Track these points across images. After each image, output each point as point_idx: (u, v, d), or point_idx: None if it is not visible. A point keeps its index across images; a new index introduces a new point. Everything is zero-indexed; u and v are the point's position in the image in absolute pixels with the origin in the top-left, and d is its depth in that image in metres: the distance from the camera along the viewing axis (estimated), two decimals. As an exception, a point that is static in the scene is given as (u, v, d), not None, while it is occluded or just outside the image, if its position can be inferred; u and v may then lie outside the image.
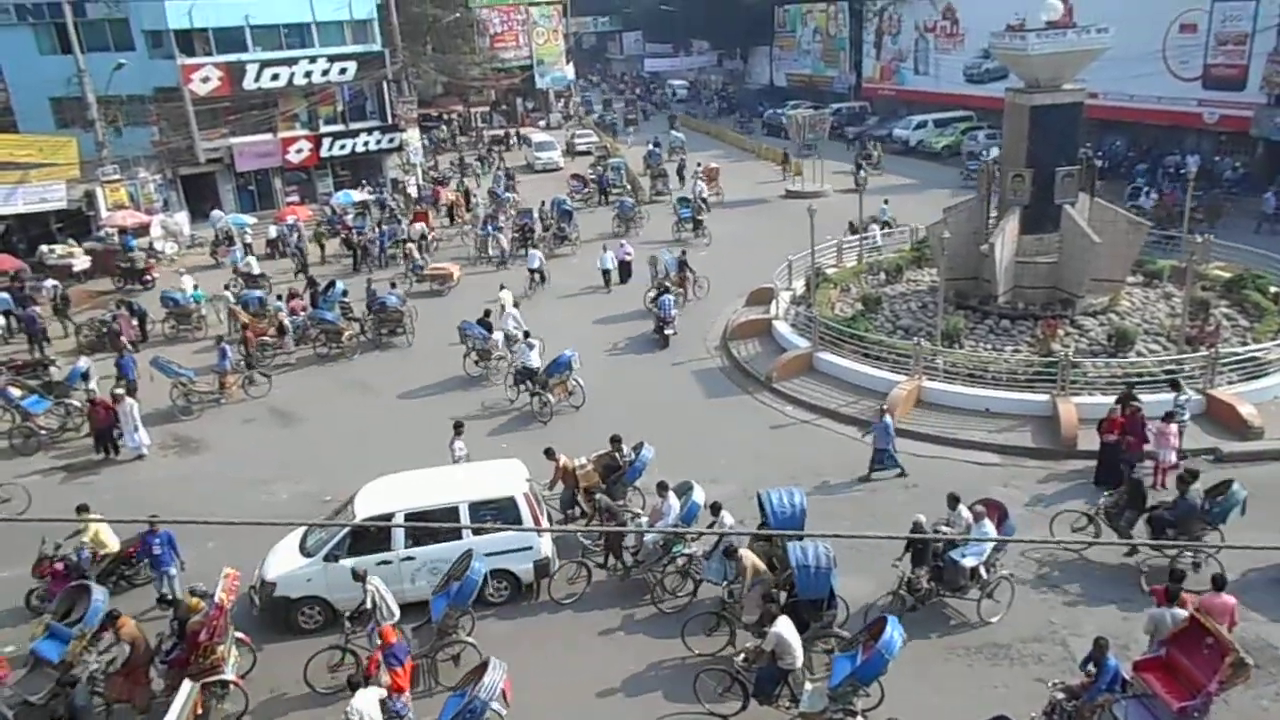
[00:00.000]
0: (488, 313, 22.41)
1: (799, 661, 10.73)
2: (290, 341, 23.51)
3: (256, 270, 29.52)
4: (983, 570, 12.19)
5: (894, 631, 10.47)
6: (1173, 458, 14.92)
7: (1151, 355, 18.77)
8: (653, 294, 24.36)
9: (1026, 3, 25.59)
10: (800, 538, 12.11)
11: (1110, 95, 36.39)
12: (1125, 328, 19.38)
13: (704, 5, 72.44)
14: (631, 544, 13.45)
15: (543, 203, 34.86)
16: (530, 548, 13.39)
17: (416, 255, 29.60)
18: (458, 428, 16.26)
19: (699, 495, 13.70)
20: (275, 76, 38.56)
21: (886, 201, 31.13)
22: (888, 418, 16.13)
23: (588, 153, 50.09)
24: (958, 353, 19.19)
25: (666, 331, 22.80)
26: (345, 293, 25.78)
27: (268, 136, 39.31)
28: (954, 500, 12.80)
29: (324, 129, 40.91)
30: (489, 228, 32.29)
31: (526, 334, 20.95)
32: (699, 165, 40.43)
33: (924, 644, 11.90)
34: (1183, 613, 10.38)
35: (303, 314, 24.35)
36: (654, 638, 12.51)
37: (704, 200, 34.34)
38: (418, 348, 23.96)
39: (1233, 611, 10.70)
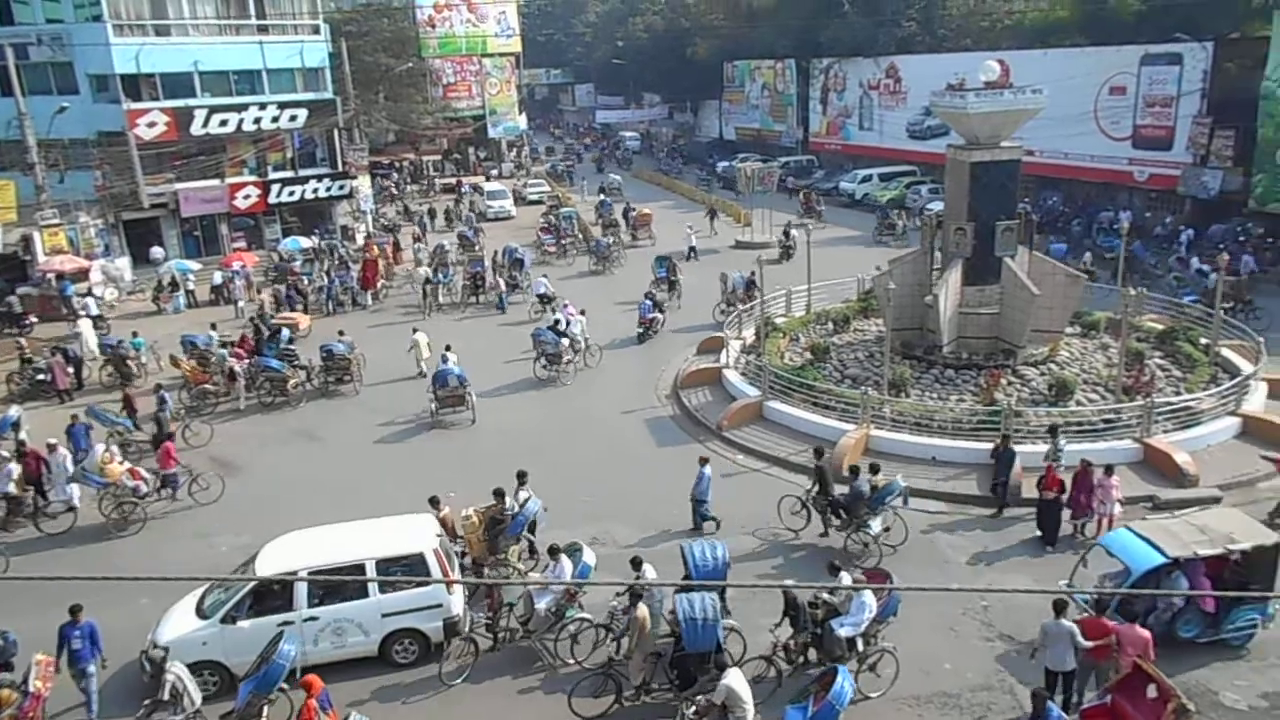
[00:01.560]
0: (558, 320, 25.45)
1: (750, 714, 10.61)
2: (241, 388, 23.03)
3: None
4: (860, 642, 11.95)
5: (844, 682, 10.45)
6: (1116, 509, 15.12)
7: (1090, 404, 19.23)
8: (722, 307, 28.16)
9: (966, 63, 26.60)
10: (719, 589, 12.33)
11: (1046, 153, 37.78)
12: (1065, 377, 19.87)
13: (655, 60, 73.90)
14: (520, 612, 12.95)
15: (495, 252, 34.98)
16: (440, 605, 12.93)
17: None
18: (521, 477, 15.54)
19: (589, 557, 13.38)
20: (224, 122, 38.26)
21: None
22: (706, 468, 16.03)
23: (539, 201, 50.36)
24: (904, 402, 19.47)
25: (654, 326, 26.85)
26: (291, 340, 25.39)
27: (215, 182, 38.87)
28: (834, 569, 12.53)
29: (273, 175, 40.58)
30: (439, 276, 32.17)
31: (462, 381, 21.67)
32: (634, 211, 41.86)
33: (876, 694, 11.87)
34: (1069, 624, 11.01)
35: (246, 361, 23.89)
36: (548, 709, 12.02)
37: (693, 249, 36.26)
38: (365, 395, 23.63)
39: (1147, 645, 11.05)
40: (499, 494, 15.09)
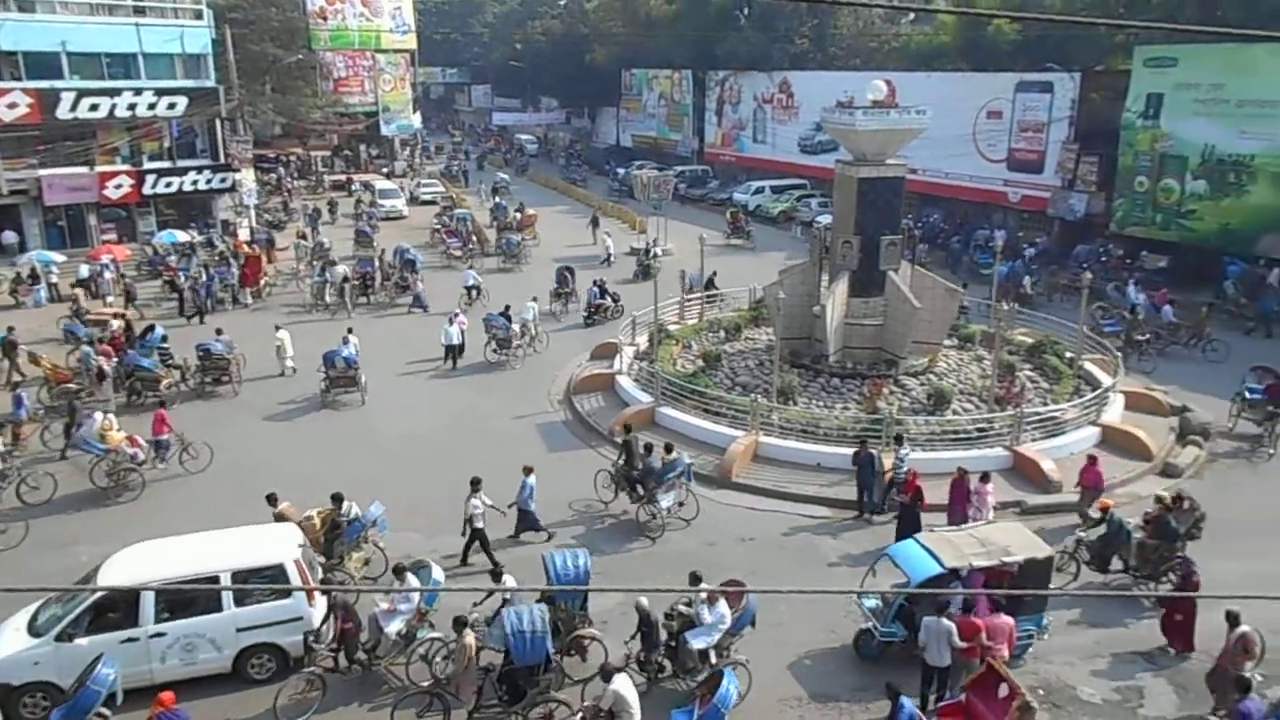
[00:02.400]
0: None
1: (637, 718, 10.65)
2: (109, 388, 21.75)
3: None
4: (712, 654, 11.99)
5: (730, 685, 10.60)
6: (990, 516, 15.54)
7: (966, 414, 20.10)
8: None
9: (855, 82, 27.45)
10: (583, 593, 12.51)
11: (928, 172, 39.37)
12: (943, 388, 20.71)
13: (553, 63, 73.72)
14: (367, 639, 12.39)
15: (381, 250, 34.27)
16: (300, 619, 12.43)
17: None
18: (475, 484, 15.28)
19: (438, 574, 13.13)
20: (94, 107, 36.17)
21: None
22: (530, 478, 15.84)
23: (433, 202, 49.52)
24: (792, 409, 19.93)
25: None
26: (165, 338, 24.19)
27: (83, 170, 36.73)
28: (695, 578, 12.43)
29: (148, 165, 38.61)
30: (325, 274, 31.23)
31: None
32: (520, 211, 41.91)
33: (756, 696, 12.07)
34: (949, 623, 11.55)
35: (115, 359, 22.65)
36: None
37: (610, 256, 36.18)
38: (246, 395, 22.70)
39: (1011, 631, 11.87)
40: (337, 498, 14.75)
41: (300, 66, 56.28)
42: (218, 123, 40.17)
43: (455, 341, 24.75)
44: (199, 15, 40.29)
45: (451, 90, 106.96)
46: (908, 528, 15.31)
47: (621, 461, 17.19)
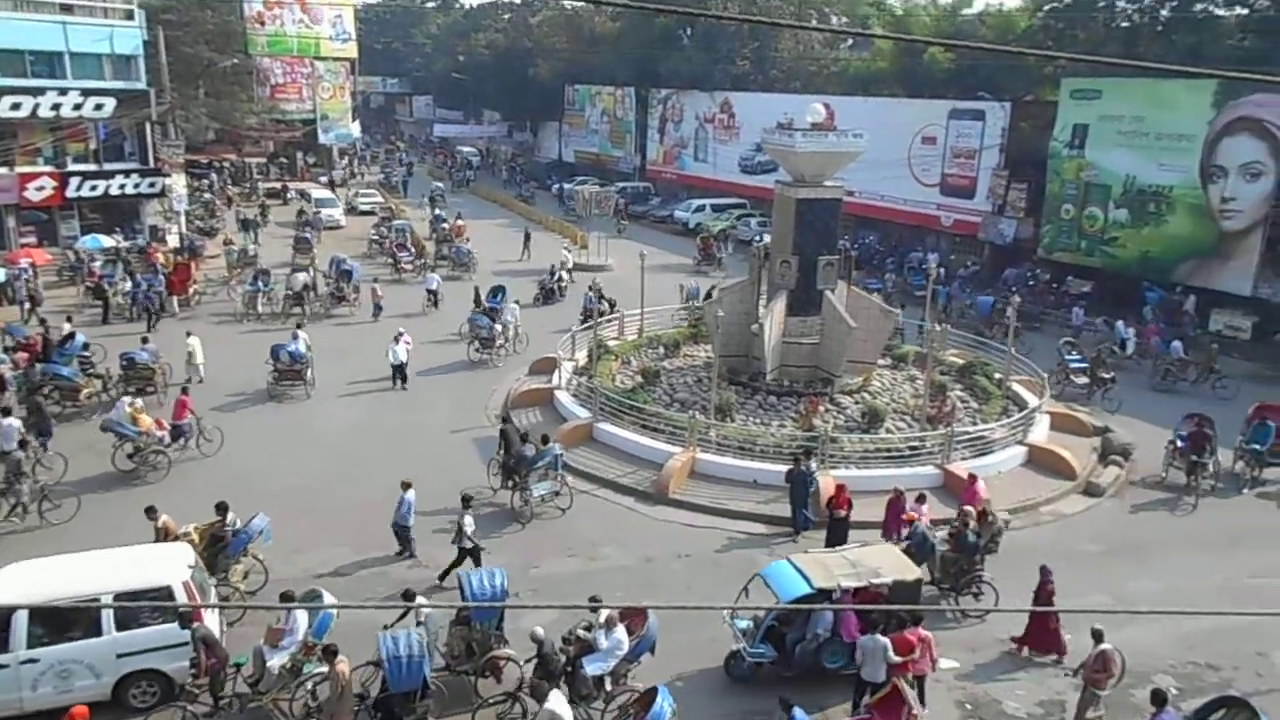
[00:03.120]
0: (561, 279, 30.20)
1: (572, 738, 10.55)
2: (10, 397, 20.82)
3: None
4: (608, 681, 11.86)
5: (664, 702, 10.56)
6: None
7: (899, 432, 20.45)
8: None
9: (794, 104, 27.88)
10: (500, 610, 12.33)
11: (865, 194, 40.15)
12: (877, 406, 21.05)
13: (496, 77, 73.46)
14: (250, 672, 11.74)
15: (313, 259, 33.80)
16: (186, 643, 11.69)
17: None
18: (466, 501, 15.20)
19: (330, 600, 12.65)
20: (15, 106, 34.81)
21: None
22: (409, 493, 15.56)
23: (371, 212, 48.83)
24: (729, 426, 20.05)
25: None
26: (86, 345, 23.37)
27: (2, 170, 35.33)
28: (595, 600, 12.19)
29: (72, 167, 37.30)
30: (259, 284, 30.54)
31: None
32: (459, 223, 41.42)
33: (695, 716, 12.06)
34: (884, 640, 11.73)
35: (30, 366, 21.76)
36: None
37: (567, 272, 34.89)
38: (171, 406, 21.96)
39: (930, 645, 12.14)
40: (221, 508, 14.39)
41: (236, 71, 55.13)
42: (148, 126, 39.02)
43: (402, 360, 23.88)
44: (130, 15, 39.16)
45: (392, 100, 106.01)
46: (837, 543, 15.46)
47: (501, 451, 18.09)
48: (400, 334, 24.59)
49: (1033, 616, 13.68)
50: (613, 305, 29.03)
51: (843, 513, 16.11)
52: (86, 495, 17.22)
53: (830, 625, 12.44)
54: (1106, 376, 24.29)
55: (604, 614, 12.03)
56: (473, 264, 37.12)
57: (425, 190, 54.21)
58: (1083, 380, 24.57)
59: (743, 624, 12.94)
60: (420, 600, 12.58)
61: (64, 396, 21.32)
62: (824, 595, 12.42)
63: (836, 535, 15.90)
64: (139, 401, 19.51)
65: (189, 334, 24.34)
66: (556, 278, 33.31)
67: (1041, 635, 13.68)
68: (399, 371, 23.93)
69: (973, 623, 14.49)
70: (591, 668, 11.74)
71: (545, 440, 17.98)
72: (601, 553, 16.22)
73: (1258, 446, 19.78)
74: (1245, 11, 36.06)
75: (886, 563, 13.09)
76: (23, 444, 17.11)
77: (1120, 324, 28.17)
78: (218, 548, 14.07)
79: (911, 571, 12.99)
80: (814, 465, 17.31)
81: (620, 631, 11.95)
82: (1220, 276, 30.21)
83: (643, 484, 18.52)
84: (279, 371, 23.11)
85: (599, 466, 19.41)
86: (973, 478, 17.16)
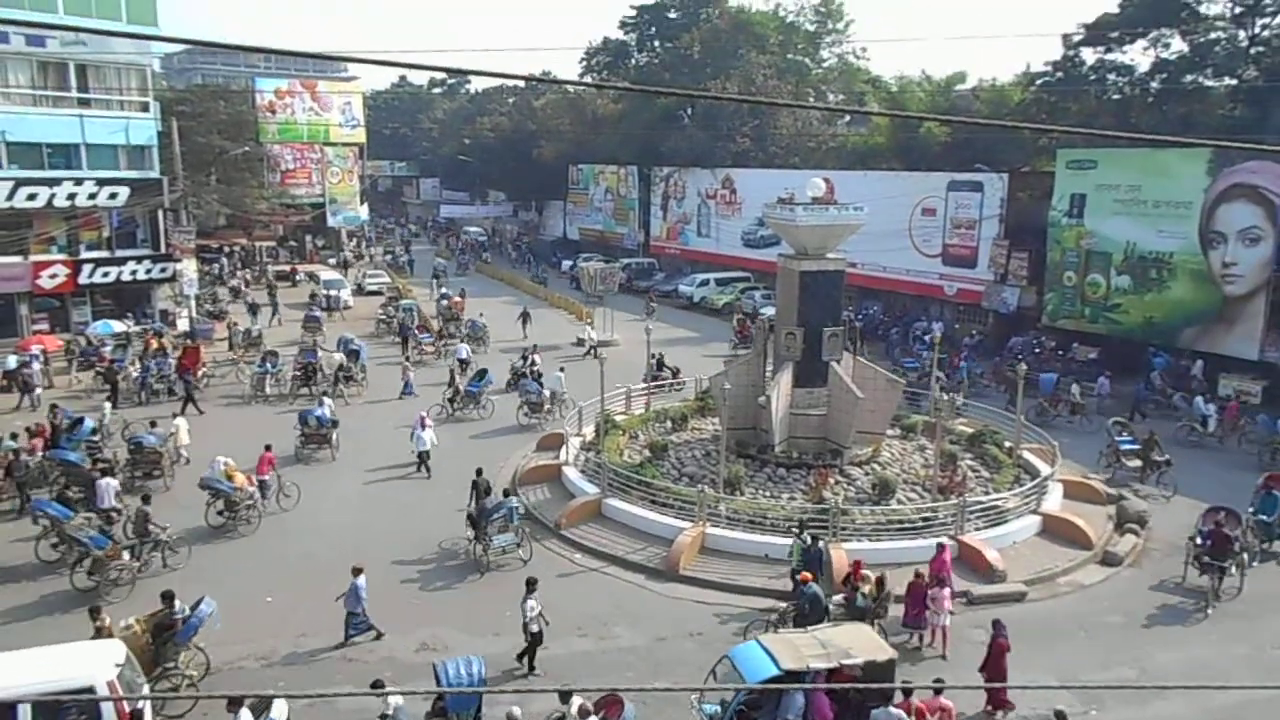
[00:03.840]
0: (533, 362, 30.18)
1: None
2: (13, 486, 20.83)
3: None
4: None
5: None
6: (947, 621, 15.30)
7: (910, 503, 20.23)
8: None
9: (795, 179, 28.34)
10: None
11: (867, 265, 40.48)
12: (887, 477, 20.87)
13: (501, 158, 75.03)
14: None
15: (315, 341, 34.07)
16: None
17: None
18: (530, 585, 14.85)
19: (280, 711, 11.98)
20: (31, 196, 35.65)
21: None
22: (360, 579, 15.28)
23: (378, 292, 49.36)
24: (739, 500, 19.86)
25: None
26: (94, 430, 23.41)
27: (16, 259, 35.96)
28: (565, 696, 11.92)
29: (86, 254, 37.99)
30: (266, 365, 30.73)
31: None
32: (457, 299, 42.14)
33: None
34: (898, 712, 11.76)
35: (39, 454, 21.79)
36: None
37: (594, 348, 35.20)
38: (177, 491, 21.89)
39: (950, 713, 12.10)
40: (167, 596, 14.10)
41: (247, 158, 56.44)
42: (160, 212, 39.86)
43: (427, 447, 23.10)
44: (145, 107, 40.33)
45: (400, 183, 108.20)
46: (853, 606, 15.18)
47: (472, 503, 18.88)
48: (422, 417, 24.01)
49: (990, 671, 13.72)
50: (675, 373, 30.15)
51: (860, 586, 15.66)
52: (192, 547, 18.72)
53: (801, 709, 11.97)
54: (1160, 459, 22.74)
55: (575, 704, 11.63)
56: (486, 337, 37.67)
57: (430, 268, 54.96)
58: (1134, 463, 23.11)
59: (710, 709, 12.46)
60: (391, 689, 12.21)
61: (72, 482, 21.26)
62: (793, 677, 12.00)
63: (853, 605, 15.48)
64: (231, 460, 20.79)
65: (175, 415, 24.75)
66: (529, 361, 31.53)
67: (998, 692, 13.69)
68: (424, 459, 23.25)
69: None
70: None
71: (506, 494, 19.11)
72: (612, 632, 15.92)
73: (1265, 518, 19.15)
74: (1234, 82, 36.87)
75: (858, 643, 12.67)
76: (145, 498, 18.67)
77: (1200, 400, 26.89)
78: (165, 637, 13.73)
79: (884, 651, 12.57)
80: (806, 538, 16.91)
81: None
82: (1226, 341, 30.20)
83: (653, 560, 18.28)
84: (305, 435, 24.34)
85: (608, 543, 19.18)
86: (941, 546, 16.72)
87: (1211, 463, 23.89)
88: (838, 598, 15.34)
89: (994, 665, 13.82)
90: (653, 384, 28.35)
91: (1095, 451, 24.19)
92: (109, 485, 19.42)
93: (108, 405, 26.49)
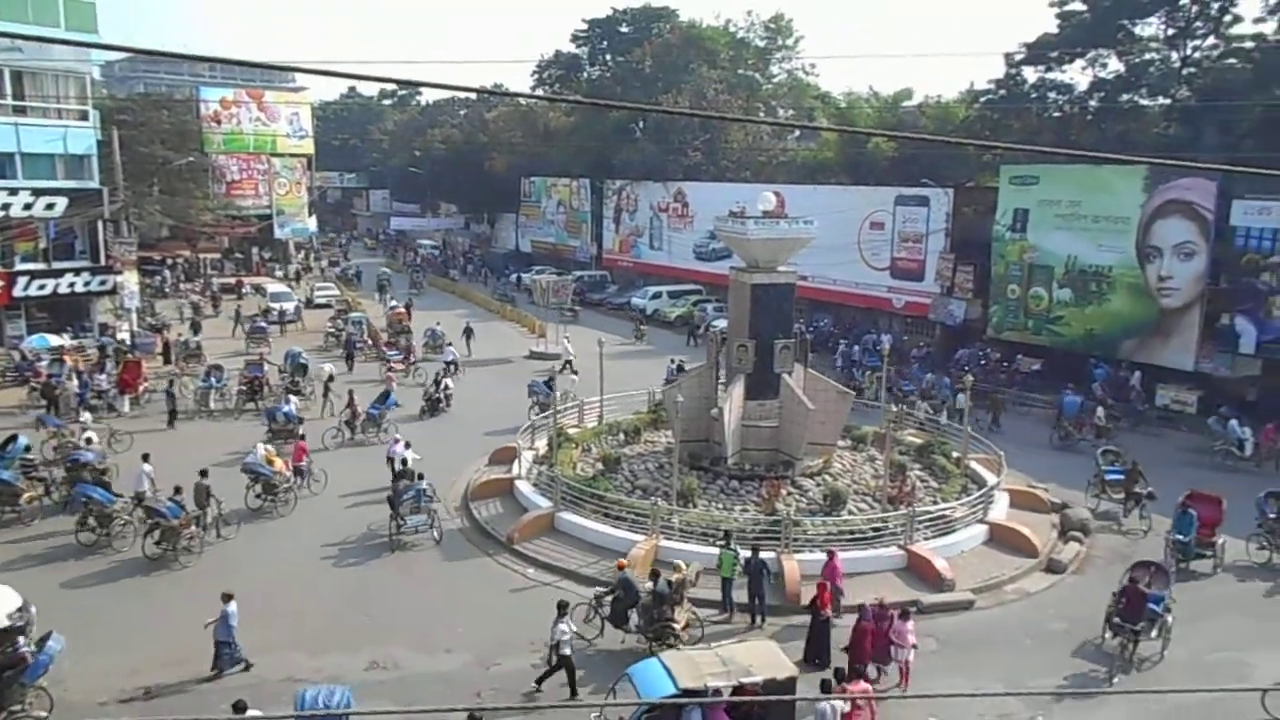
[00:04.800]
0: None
1: None
2: None
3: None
4: None
5: None
6: (911, 655, 14.67)
7: (861, 513, 20.42)
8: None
9: (746, 193, 28.58)
10: None
11: (818, 279, 40.98)
12: (838, 488, 21.05)
13: (452, 170, 74.61)
14: None
15: (262, 355, 33.44)
16: None
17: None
18: (562, 608, 14.58)
19: None
20: (-36, 206, 34.57)
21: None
22: (231, 605, 14.58)
23: (327, 305, 48.63)
24: (692, 512, 19.87)
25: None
26: (28, 448, 22.65)
27: (-54, 270, 34.80)
28: (472, 718, 11.82)
29: (20, 266, 36.85)
30: (211, 379, 30.08)
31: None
32: (400, 310, 41.86)
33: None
34: (841, 704, 12.39)
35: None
36: None
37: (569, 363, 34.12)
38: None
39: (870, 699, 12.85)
40: (11, 632, 13.18)
41: (191, 168, 55.37)
42: (100, 224, 38.85)
43: (407, 465, 21.98)
44: (84, 116, 39.35)
45: (350, 194, 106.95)
46: (819, 646, 15.05)
47: (392, 490, 20.07)
48: (395, 437, 23.47)
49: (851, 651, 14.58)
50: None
51: (826, 613, 15.38)
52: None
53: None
54: (1141, 491, 21.34)
55: None
56: (445, 343, 37.25)
57: (376, 279, 54.52)
58: (1119, 495, 21.89)
59: None
60: (253, 713, 11.88)
61: (3, 501, 20.56)
62: (691, 696, 11.87)
63: (819, 636, 15.25)
64: (271, 446, 22.65)
65: (85, 427, 24.30)
66: (443, 386, 30.32)
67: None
68: (401, 476, 21.57)
69: (949, 707, 14.18)
70: None
71: (418, 477, 20.27)
72: (575, 643, 15.75)
73: (1181, 537, 18.84)
74: (1168, 101, 38.12)
75: (758, 659, 12.51)
76: (204, 473, 20.07)
77: (1234, 422, 25.88)
78: (10, 675, 12.88)
79: (785, 669, 12.42)
80: (736, 550, 16.94)
81: None
82: (1163, 352, 31.09)
83: (606, 574, 18.13)
84: (273, 431, 25.03)
85: (561, 557, 19.05)
86: (832, 554, 16.91)
87: (1247, 489, 21.12)
88: (648, 584, 15.67)
89: (854, 645, 14.55)
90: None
91: (989, 449, 23.86)
92: (143, 471, 20.63)
93: (87, 415, 26.47)
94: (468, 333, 39.97)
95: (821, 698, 12.74)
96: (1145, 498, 21.23)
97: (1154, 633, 15.56)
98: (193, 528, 18.85)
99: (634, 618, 15.56)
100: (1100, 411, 27.62)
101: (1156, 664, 15.45)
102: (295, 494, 21.72)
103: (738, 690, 12.03)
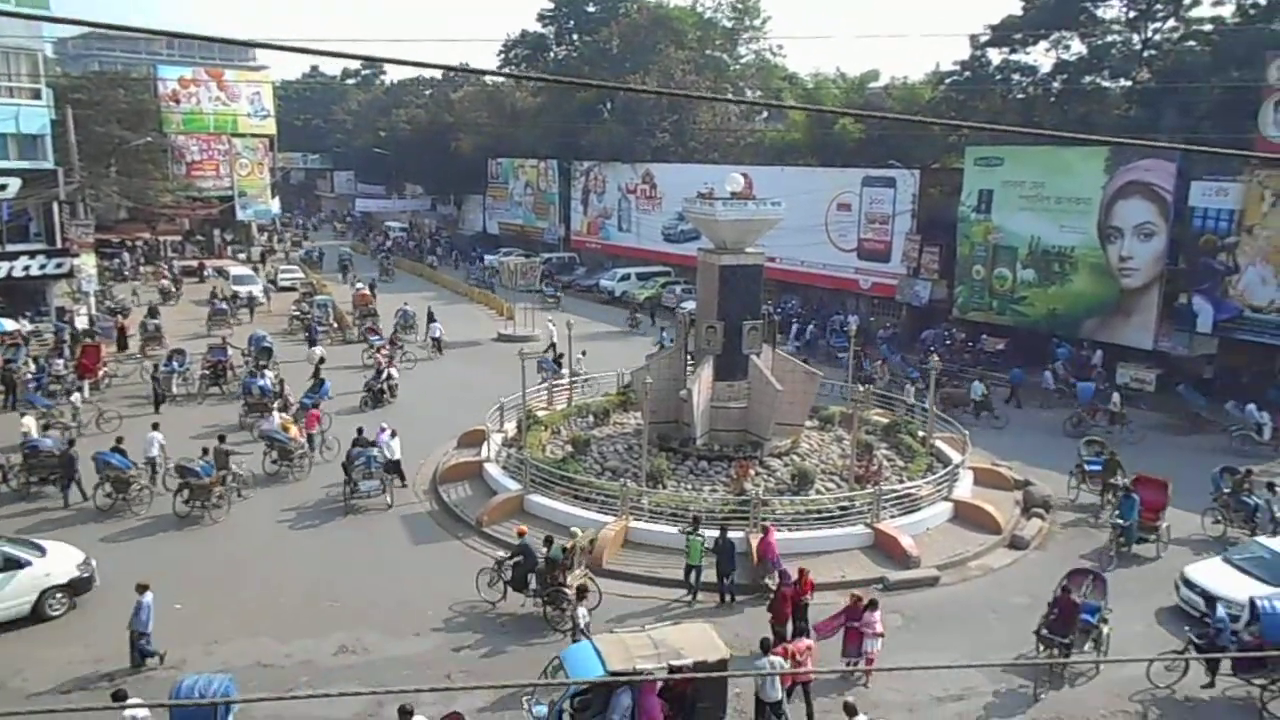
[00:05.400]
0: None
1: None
2: None
3: None
4: None
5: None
6: (878, 646, 14.36)
7: (828, 493, 20.62)
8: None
9: (714, 174, 28.55)
10: None
11: (786, 260, 41.13)
12: (806, 468, 21.22)
13: (418, 151, 73.69)
14: None
15: (224, 338, 32.95)
16: None
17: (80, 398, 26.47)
18: (581, 593, 14.92)
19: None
20: (-87, 187, 33.63)
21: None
22: (146, 596, 14.20)
23: (292, 288, 48.01)
24: (661, 493, 19.95)
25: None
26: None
27: (-103, 254, 33.89)
28: (405, 712, 11.42)
29: (-27, 249, 35.99)
30: (173, 364, 29.61)
31: None
32: (364, 292, 41.56)
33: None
34: (779, 660, 12.97)
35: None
36: None
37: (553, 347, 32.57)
38: (74, 495, 20.87)
39: (812, 652, 13.55)
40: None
41: (150, 149, 54.27)
42: (55, 205, 37.97)
43: (396, 456, 21.70)
44: (37, 95, 38.37)
45: (313, 176, 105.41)
46: (799, 630, 14.87)
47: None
48: (382, 426, 22.61)
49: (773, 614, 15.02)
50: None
51: (808, 599, 15.16)
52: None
53: (628, 710, 11.88)
54: (1117, 484, 20.54)
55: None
56: (414, 325, 37.66)
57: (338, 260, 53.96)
58: (1097, 486, 21.37)
59: (540, 709, 12.27)
60: (135, 700, 11.73)
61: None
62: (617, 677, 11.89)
63: (797, 619, 15.05)
64: (288, 415, 24.18)
65: (22, 414, 24.06)
66: (385, 376, 29.45)
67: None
68: (393, 469, 21.68)
69: (912, 681, 14.40)
70: None
71: (367, 443, 21.23)
72: (544, 634, 15.77)
73: (1122, 521, 18.75)
74: (1129, 83, 38.57)
75: (690, 642, 12.50)
76: (221, 438, 21.66)
77: (1252, 407, 25.50)
78: None
79: (716, 651, 12.35)
80: (703, 535, 16.97)
81: None
82: (1123, 331, 31.63)
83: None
84: (248, 405, 25.71)
85: (530, 539, 19.01)
86: (768, 529, 17.16)
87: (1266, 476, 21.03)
88: (545, 550, 16.18)
89: (776, 609, 14.96)
90: (553, 380, 27.85)
91: (954, 429, 24.00)
92: (152, 438, 21.59)
93: (77, 395, 26.87)
94: (430, 317, 38.33)
95: (752, 674, 13.18)
96: (1122, 490, 20.07)
97: (1087, 645, 14.69)
98: (220, 487, 20.13)
99: (533, 582, 16.13)
100: (1116, 397, 26.92)
101: (1092, 678, 14.55)
102: (311, 460, 22.93)
103: (674, 673, 12.03)
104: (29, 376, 28.54)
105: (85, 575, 16.12)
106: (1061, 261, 33.11)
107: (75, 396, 26.45)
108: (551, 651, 14.26)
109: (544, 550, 16.20)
